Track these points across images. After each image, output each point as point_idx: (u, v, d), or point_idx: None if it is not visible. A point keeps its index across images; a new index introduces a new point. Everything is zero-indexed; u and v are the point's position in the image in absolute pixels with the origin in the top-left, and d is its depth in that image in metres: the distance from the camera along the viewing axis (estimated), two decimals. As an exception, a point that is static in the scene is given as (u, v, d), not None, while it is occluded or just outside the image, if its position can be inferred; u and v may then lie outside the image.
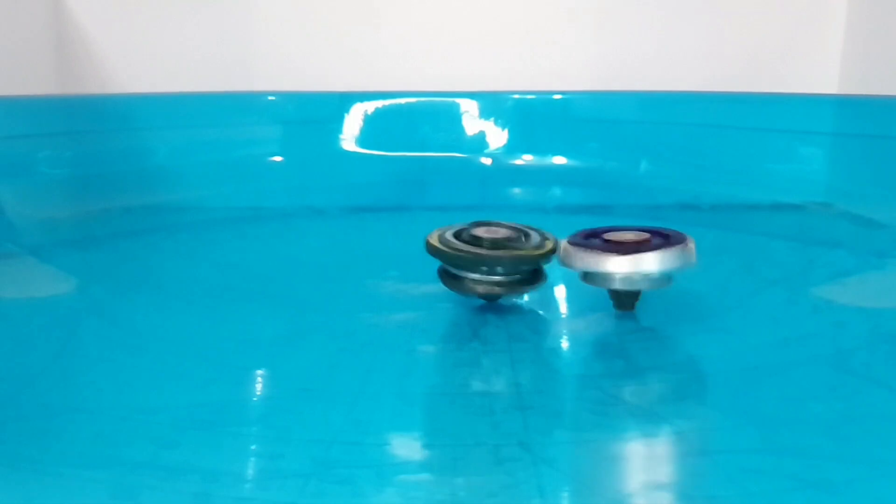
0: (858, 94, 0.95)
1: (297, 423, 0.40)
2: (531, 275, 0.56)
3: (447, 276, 0.56)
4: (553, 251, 0.55)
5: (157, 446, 0.37)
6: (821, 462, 0.35)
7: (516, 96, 0.98)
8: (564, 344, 0.53)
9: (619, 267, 0.50)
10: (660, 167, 0.94)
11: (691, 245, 0.50)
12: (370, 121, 0.97)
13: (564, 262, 0.52)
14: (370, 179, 0.95)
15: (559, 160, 0.96)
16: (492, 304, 0.57)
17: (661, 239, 0.51)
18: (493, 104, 0.97)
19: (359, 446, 0.37)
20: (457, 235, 0.56)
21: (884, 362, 0.47)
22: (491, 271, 0.54)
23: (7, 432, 0.38)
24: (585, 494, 0.34)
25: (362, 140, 0.97)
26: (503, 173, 0.95)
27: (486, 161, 0.96)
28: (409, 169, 0.95)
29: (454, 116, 0.97)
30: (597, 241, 0.52)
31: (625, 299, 0.53)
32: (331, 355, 0.49)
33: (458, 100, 0.97)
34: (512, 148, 0.96)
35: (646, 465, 0.36)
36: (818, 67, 1.01)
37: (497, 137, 0.97)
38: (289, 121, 0.98)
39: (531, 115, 0.97)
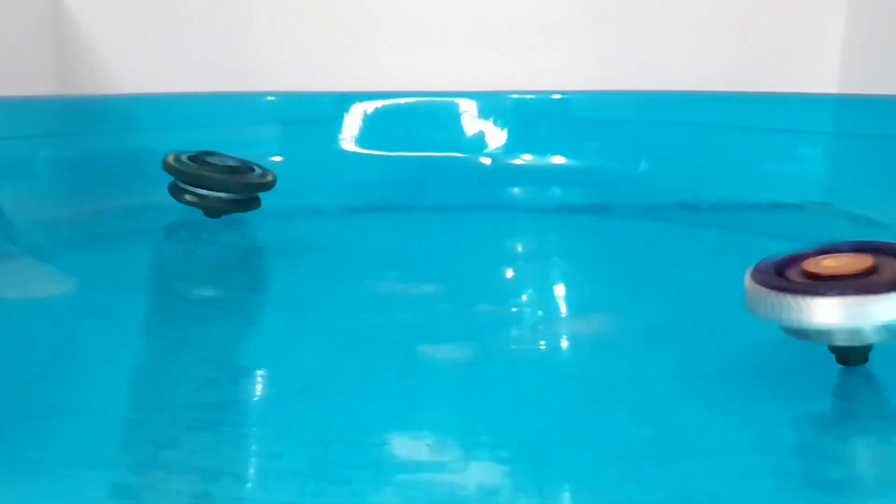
0: (858, 94, 0.95)
1: (297, 422, 0.40)
2: (250, 199, 0.73)
3: (178, 191, 0.71)
4: (273, 182, 0.72)
5: (156, 446, 0.37)
6: (821, 462, 0.35)
7: (516, 96, 0.98)
8: (564, 344, 0.53)
9: (842, 317, 0.34)
10: (659, 167, 0.94)
11: None
12: (370, 121, 0.97)
13: (752, 310, 0.38)
14: (370, 179, 0.94)
15: (558, 160, 0.96)
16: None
17: (893, 263, 0.36)
18: (492, 104, 0.97)
19: (358, 446, 0.37)
20: (191, 159, 0.72)
21: (883, 362, 0.47)
22: (219, 190, 0.70)
23: (7, 432, 0.38)
24: (585, 494, 0.34)
25: (362, 140, 0.97)
26: (503, 173, 0.95)
27: (486, 161, 0.96)
28: (409, 169, 0.95)
29: (454, 116, 0.97)
30: (796, 276, 0.37)
31: (854, 353, 0.39)
32: (331, 355, 0.49)
33: (457, 100, 0.97)
34: (511, 148, 0.96)
35: (646, 464, 0.36)
36: (818, 67, 1.01)
37: (496, 137, 0.97)
38: (289, 121, 0.98)
39: (531, 115, 0.97)
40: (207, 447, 0.37)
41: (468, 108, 0.97)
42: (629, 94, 0.99)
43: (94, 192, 0.85)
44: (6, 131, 0.81)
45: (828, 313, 0.34)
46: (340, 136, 0.96)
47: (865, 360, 0.39)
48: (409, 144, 0.97)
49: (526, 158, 0.96)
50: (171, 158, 0.71)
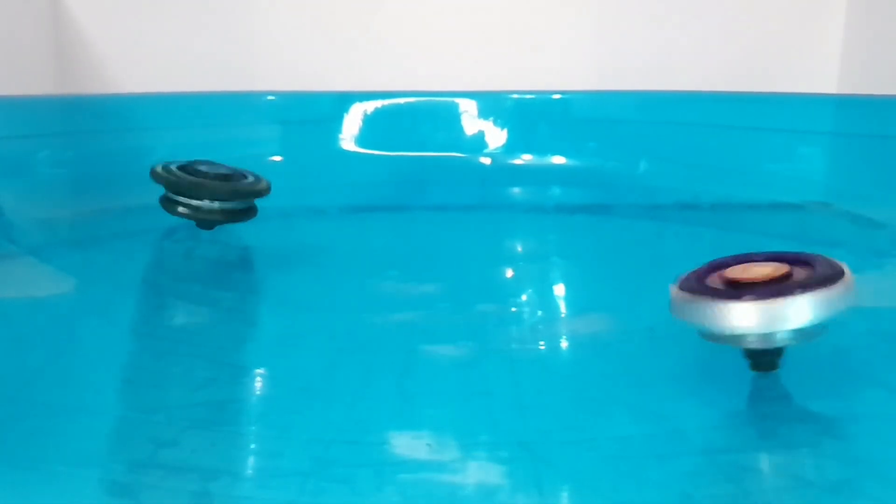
0: (858, 94, 0.95)
1: (297, 422, 0.40)
2: (246, 209, 0.69)
3: (169, 203, 0.66)
4: (267, 189, 0.68)
5: (156, 445, 0.37)
6: (820, 461, 0.35)
7: (516, 96, 0.98)
8: (564, 344, 0.53)
9: (749, 320, 0.36)
10: (659, 167, 0.94)
11: (848, 274, 0.37)
12: (370, 121, 0.97)
13: (676, 314, 0.40)
14: (370, 179, 0.94)
15: (558, 160, 0.96)
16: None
17: (805, 270, 0.38)
18: (492, 104, 0.97)
19: (358, 445, 0.37)
20: (182, 168, 0.67)
21: (883, 362, 0.47)
22: (211, 200, 0.65)
23: (7, 432, 0.38)
24: (585, 494, 0.34)
25: (362, 140, 0.97)
26: (503, 173, 0.95)
27: (486, 161, 0.96)
28: (409, 169, 0.95)
29: (454, 116, 0.97)
30: (717, 283, 0.39)
31: (765, 356, 0.40)
32: (331, 355, 0.49)
33: (457, 100, 0.97)
34: (511, 148, 0.96)
35: (646, 464, 0.36)
36: (818, 67, 1.01)
37: (496, 137, 0.97)
38: (289, 121, 0.98)
39: (531, 115, 0.97)
40: (207, 447, 0.37)
41: (468, 108, 0.97)
42: (629, 94, 0.99)
43: (94, 192, 0.85)
44: (6, 131, 0.81)
45: (744, 317, 0.36)
46: (340, 136, 0.96)
47: (775, 365, 0.40)
48: (409, 144, 0.97)
49: (526, 158, 0.96)
50: (159, 168, 0.67)
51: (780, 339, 0.37)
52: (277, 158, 0.95)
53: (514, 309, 0.59)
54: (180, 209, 0.66)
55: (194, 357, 0.50)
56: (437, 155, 0.97)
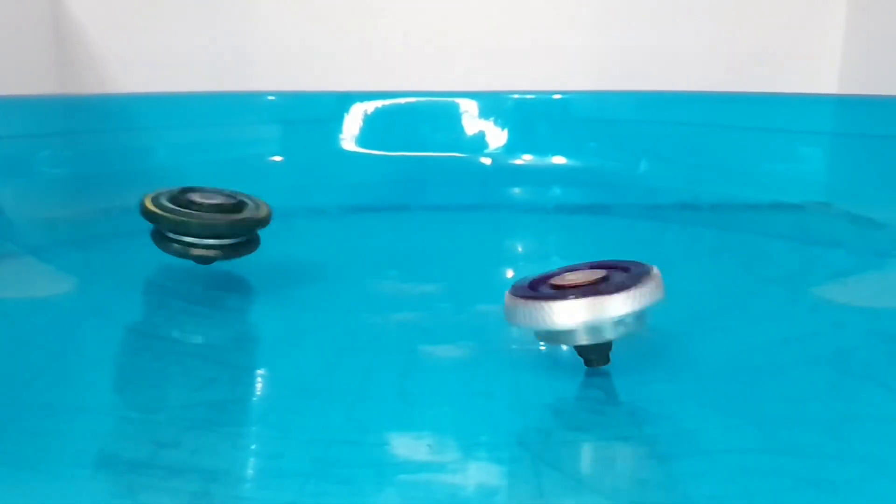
0: (858, 94, 0.95)
1: (297, 422, 0.40)
2: (247, 241, 0.60)
3: (161, 239, 0.59)
4: (268, 217, 0.60)
5: (156, 446, 0.37)
6: (820, 461, 0.35)
7: (516, 96, 0.98)
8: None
9: (575, 316, 0.40)
10: (660, 167, 0.94)
11: (657, 275, 0.42)
12: (370, 121, 0.97)
13: (510, 320, 0.43)
14: (370, 179, 0.94)
15: (559, 160, 0.96)
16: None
17: (621, 274, 0.43)
18: (492, 104, 0.97)
19: (358, 446, 0.37)
20: (172, 200, 0.59)
21: (883, 362, 0.47)
22: (207, 235, 0.57)
23: (7, 432, 0.38)
24: (585, 494, 0.34)
25: (362, 140, 0.97)
26: (503, 173, 0.95)
27: (486, 161, 0.96)
28: (409, 169, 0.95)
29: (454, 116, 0.97)
30: (545, 289, 0.43)
31: (595, 352, 0.44)
32: (331, 355, 0.49)
33: (457, 100, 0.97)
34: (512, 148, 0.96)
35: (646, 464, 0.36)
36: (818, 67, 1.01)
37: (497, 137, 0.97)
38: (289, 121, 0.98)
39: (531, 115, 0.97)
40: (207, 447, 0.37)
41: (468, 108, 0.97)
42: (629, 94, 0.99)
43: (94, 192, 0.85)
44: (6, 131, 0.81)
45: (570, 313, 0.40)
46: (340, 136, 0.96)
47: (607, 359, 0.44)
48: (409, 144, 0.97)
49: (526, 158, 0.96)
50: (147, 202, 0.59)
51: (607, 332, 0.41)
52: (277, 158, 0.95)
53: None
54: (174, 246, 0.58)
55: (194, 357, 0.50)
56: (437, 155, 0.97)
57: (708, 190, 0.90)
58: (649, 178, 0.94)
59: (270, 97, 0.98)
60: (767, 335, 0.52)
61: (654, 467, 0.35)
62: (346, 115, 0.97)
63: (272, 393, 0.46)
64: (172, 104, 0.96)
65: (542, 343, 0.44)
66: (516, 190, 0.96)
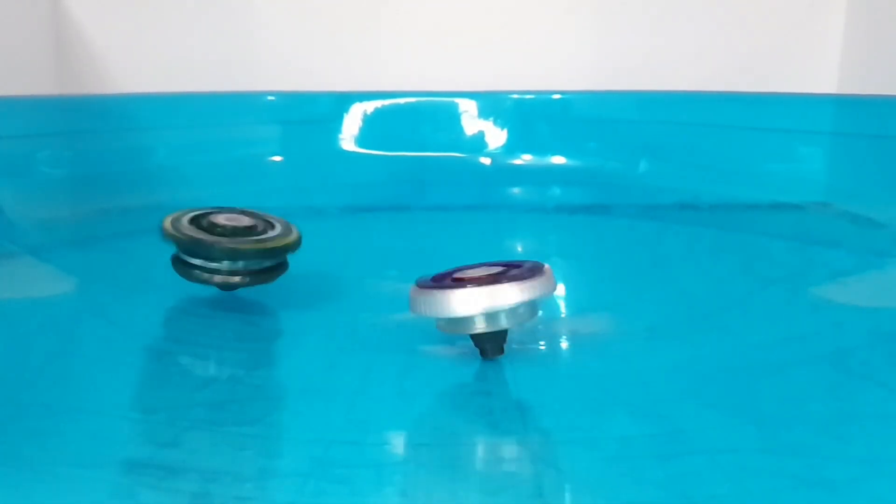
0: (858, 94, 0.95)
1: (297, 422, 0.40)
2: (274, 266, 0.54)
3: (180, 264, 0.53)
4: (298, 241, 0.54)
5: (155, 446, 0.37)
6: (820, 461, 0.35)
7: (516, 96, 0.98)
8: (564, 344, 0.53)
9: (477, 304, 0.43)
10: (659, 167, 0.94)
11: (549, 271, 0.45)
12: (370, 121, 0.97)
13: (414, 310, 0.46)
14: (370, 179, 0.95)
15: (559, 160, 0.96)
16: None
17: (516, 269, 0.45)
18: (492, 104, 0.97)
19: (358, 446, 0.37)
20: (194, 221, 0.54)
21: (883, 362, 0.47)
22: (232, 261, 0.52)
23: (7, 432, 0.38)
24: (585, 494, 0.34)
25: (362, 140, 0.97)
26: (503, 173, 0.95)
27: (486, 161, 0.96)
28: (409, 169, 0.95)
29: (454, 116, 0.97)
30: (447, 282, 0.45)
31: (491, 341, 0.46)
32: (331, 355, 0.49)
33: (457, 100, 0.97)
34: (511, 148, 0.96)
35: (646, 464, 0.36)
36: (818, 67, 1.01)
37: (496, 137, 0.97)
38: (289, 121, 0.98)
39: (531, 115, 0.97)
40: (207, 447, 0.37)
41: (468, 108, 0.97)
42: (629, 94, 0.99)
43: (94, 192, 0.85)
44: (6, 131, 0.81)
45: (468, 302, 0.43)
46: (340, 136, 0.97)
47: (501, 350, 0.46)
48: (409, 144, 0.97)
49: (526, 158, 0.97)
50: (168, 224, 0.54)
51: (502, 321, 0.44)
52: (277, 158, 0.95)
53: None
54: (196, 273, 0.53)
55: (194, 357, 0.50)
56: (437, 155, 0.97)
57: (708, 190, 0.90)
58: (649, 178, 0.94)
59: (270, 97, 0.98)
60: (767, 335, 0.52)
61: (655, 467, 0.35)
62: (345, 115, 0.97)
63: (272, 393, 0.46)
64: (172, 104, 0.96)
65: (442, 332, 0.46)
66: (516, 190, 0.96)
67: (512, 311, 0.44)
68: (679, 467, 0.35)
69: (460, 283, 0.44)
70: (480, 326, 0.44)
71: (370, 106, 0.97)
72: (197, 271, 0.53)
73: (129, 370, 0.46)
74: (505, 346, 0.46)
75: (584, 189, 0.94)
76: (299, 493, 0.33)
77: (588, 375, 0.47)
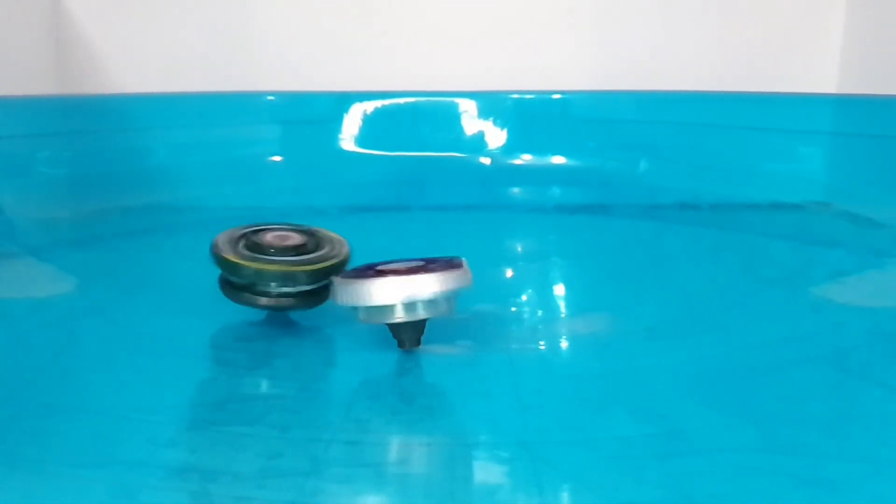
0: (858, 94, 0.95)
1: (296, 422, 0.40)
2: (324, 287, 0.50)
3: (228, 287, 0.51)
4: (346, 260, 0.51)
5: (155, 445, 0.37)
6: (820, 460, 0.35)
7: (515, 96, 0.98)
8: (564, 344, 0.53)
9: (396, 293, 0.45)
10: (659, 167, 0.94)
11: (466, 266, 0.47)
12: (369, 121, 0.97)
13: (336, 299, 0.47)
14: (370, 179, 0.94)
15: (558, 160, 0.96)
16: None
17: (434, 263, 0.47)
18: (492, 104, 0.97)
19: (358, 446, 0.37)
20: (245, 240, 0.51)
21: (882, 361, 0.47)
22: (282, 285, 0.50)
23: (7, 432, 0.38)
24: (585, 494, 0.34)
25: (362, 140, 0.97)
26: (502, 173, 0.95)
27: (486, 161, 0.96)
28: (409, 169, 0.95)
29: (453, 116, 0.97)
30: (370, 274, 0.47)
31: (409, 332, 0.47)
32: (330, 355, 0.49)
33: (457, 100, 0.97)
34: (511, 147, 0.96)
35: (645, 464, 0.36)
36: (817, 67, 1.01)
37: (496, 137, 0.97)
38: (288, 121, 0.98)
39: (530, 115, 0.97)
40: (207, 447, 0.37)
41: (468, 108, 0.97)
42: (629, 94, 0.99)
43: (94, 192, 0.85)
44: (6, 131, 0.81)
45: (388, 290, 0.45)
46: (340, 136, 0.97)
47: (418, 342, 0.47)
48: (409, 144, 0.97)
49: (526, 158, 0.96)
50: (221, 243, 0.51)
51: (420, 311, 0.45)
52: (277, 158, 0.95)
53: (514, 309, 0.59)
54: (245, 297, 0.51)
55: (194, 357, 0.50)
56: (437, 155, 0.97)
57: (708, 190, 0.90)
58: (649, 178, 0.94)
59: (270, 97, 0.98)
60: (767, 335, 0.52)
61: (654, 467, 0.35)
62: (346, 115, 0.97)
63: (272, 393, 0.46)
64: (172, 104, 0.96)
65: (362, 321, 0.46)
66: (516, 190, 0.96)
67: (430, 302, 0.45)
68: (679, 467, 0.35)
69: (381, 273, 0.46)
70: (399, 316, 0.45)
71: (370, 106, 0.97)
72: (246, 294, 0.51)
73: (129, 370, 0.46)
74: (422, 338, 0.47)
75: (583, 189, 0.94)
76: (299, 493, 0.33)
77: (588, 375, 0.47)
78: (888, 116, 0.85)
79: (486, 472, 0.35)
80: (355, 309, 0.46)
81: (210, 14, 1.02)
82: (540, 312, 0.58)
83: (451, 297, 0.46)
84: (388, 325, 0.46)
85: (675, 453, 0.37)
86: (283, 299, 0.51)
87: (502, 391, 0.43)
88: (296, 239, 0.52)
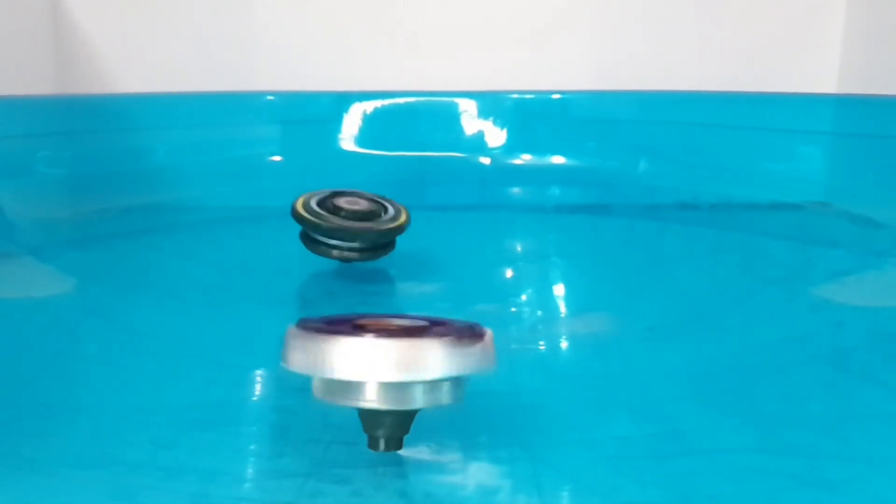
0: (857, 94, 0.95)
1: (296, 423, 0.40)
2: (384, 245, 0.64)
3: (308, 240, 0.63)
4: (406, 224, 0.63)
5: (155, 446, 0.37)
6: (819, 461, 0.35)
7: (515, 96, 0.98)
8: (564, 344, 0.53)
9: (375, 363, 0.28)
10: (659, 167, 0.94)
11: (490, 338, 0.32)
12: (369, 121, 0.97)
13: (284, 361, 0.33)
14: (370, 179, 0.94)
15: (558, 160, 0.96)
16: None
17: (444, 327, 0.32)
18: (492, 104, 0.97)
19: (357, 446, 0.37)
20: (321, 203, 0.64)
21: (882, 361, 0.47)
22: (349, 240, 0.62)
23: (7, 432, 0.38)
24: (585, 494, 0.34)
25: (361, 140, 0.97)
26: (502, 173, 0.95)
27: (486, 161, 0.96)
28: (409, 169, 0.95)
29: (453, 116, 0.97)
30: (344, 327, 0.32)
31: (388, 426, 0.31)
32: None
33: (457, 100, 0.97)
34: (511, 147, 0.96)
35: (645, 464, 0.36)
36: (817, 67, 1.01)
37: (496, 137, 0.97)
38: (288, 121, 0.98)
39: (530, 115, 0.97)
40: (207, 447, 0.37)
41: (468, 108, 0.97)
42: (629, 94, 0.99)
43: (94, 192, 0.85)
44: (6, 131, 0.81)
45: (360, 358, 0.29)
46: (340, 136, 0.96)
47: (400, 444, 0.33)
48: (409, 144, 0.97)
49: (526, 158, 0.96)
50: (299, 205, 0.64)
51: (413, 398, 0.29)
52: (277, 158, 0.95)
53: (514, 309, 0.59)
54: (322, 248, 0.63)
55: (194, 357, 0.50)
56: (437, 155, 0.97)
57: (708, 190, 0.90)
58: (649, 178, 0.93)
59: (270, 97, 0.98)
60: (767, 335, 0.52)
61: (654, 467, 0.35)
62: (345, 115, 0.97)
63: (272, 393, 0.46)
64: (172, 104, 0.96)
65: (318, 398, 0.31)
66: (516, 190, 0.96)
67: (429, 386, 0.29)
68: (678, 467, 0.35)
69: (359, 329, 0.30)
70: (371, 398, 0.29)
71: (370, 106, 0.97)
72: (323, 247, 0.62)
73: (128, 370, 0.46)
74: (404, 440, 0.31)
75: (583, 189, 0.94)
76: (299, 494, 0.33)
77: (588, 375, 0.47)
78: (888, 116, 0.85)
79: (486, 472, 0.35)
80: (311, 379, 0.31)
81: (210, 14, 1.02)
82: (540, 312, 0.58)
83: (460, 383, 0.31)
84: (358, 410, 0.31)
85: (674, 454, 0.37)
86: (348, 252, 0.63)
87: (502, 391, 0.43)
88: (363, 204, 0.64)
